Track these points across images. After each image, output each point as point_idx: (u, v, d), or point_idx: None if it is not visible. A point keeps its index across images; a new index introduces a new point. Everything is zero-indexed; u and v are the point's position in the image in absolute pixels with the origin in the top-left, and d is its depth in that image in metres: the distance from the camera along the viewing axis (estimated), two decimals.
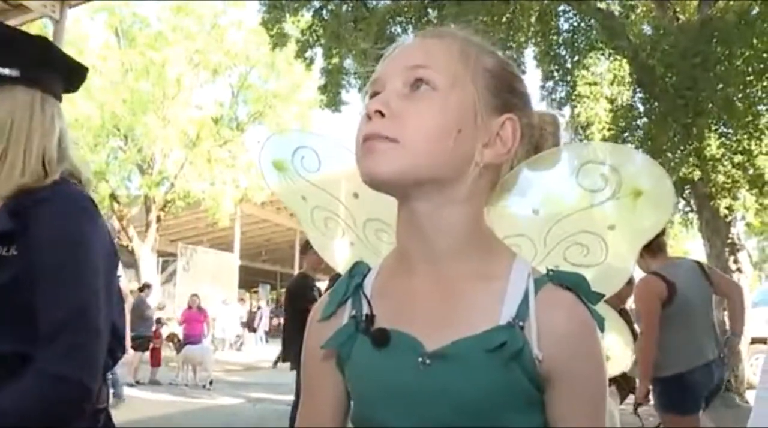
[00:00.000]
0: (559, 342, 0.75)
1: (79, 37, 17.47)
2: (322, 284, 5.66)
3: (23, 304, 1.17)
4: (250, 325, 21.74)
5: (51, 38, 6.38)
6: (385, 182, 0.76)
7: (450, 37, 0.83)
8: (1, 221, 1.20)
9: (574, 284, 0.78)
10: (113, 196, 18.39)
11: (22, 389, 1.11)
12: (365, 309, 0.82)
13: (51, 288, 1.16)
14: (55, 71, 1.39)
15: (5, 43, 1.33)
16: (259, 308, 23.38)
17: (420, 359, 0.76)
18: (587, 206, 0.91)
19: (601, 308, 0.82)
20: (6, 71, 1.29)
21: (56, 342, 1.13)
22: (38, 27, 15.53)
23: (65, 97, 1.45)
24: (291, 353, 5.06)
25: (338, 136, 1.02)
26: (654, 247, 3.61)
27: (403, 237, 0.82)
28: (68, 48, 14.20)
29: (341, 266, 0.90)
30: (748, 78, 7.82)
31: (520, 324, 0.74)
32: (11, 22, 6.15)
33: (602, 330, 0.78)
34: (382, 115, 0.76)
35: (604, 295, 0.81)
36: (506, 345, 0.73)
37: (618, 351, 1.02)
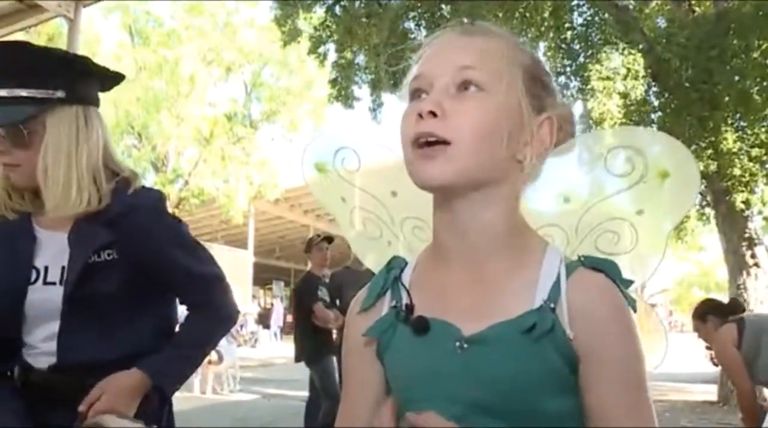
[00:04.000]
0: (589, 320, 0.76)
1: (94, 36, 17.59)
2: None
3: (131, 305, 1.41)
4: (264, 322, 21.84)
5: (66, 38, 6.42)
6: (440, 187, 0.79)
7: (496, 37, 0.84)
8: (102, 233, 1.38)
9: (605, 267, 0.79)
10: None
11: (202, 327, 1.53)
12: (405, 299, 0.84)
13: (179, 274, 1.47)
14: (94, 83, 1.48)
15: (51, 66, 1.39)
16: (272, 305, 23.48)
17: (457, 343, 0.78)
18: (616, 192, 0.91)
19: (636, 299, 0.83)
20: (56, 94, 1.36)
21: (212, 296, 1.53)
22: (53, 26, 15.68)
23: None
24: (303, 352, 5.08)
25: (377, 133, 1.04)
26: (722, 314, 3.78)
27: (441, 233, 0.84)
28: (83, 48, 14.32)
29: (379, 267, 0.91)
30: (765, 71, 7.71)
31: (552, 305, 0.76)
32: (27, 22, 6.19)
33: (635, 310, 0.79)
34: (434, 115, 0.77)
35: (632, 282, 0.82)
36: (536, 326, 0.75)
37: (654, 344, 1.01)
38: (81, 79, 1.42)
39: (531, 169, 0.84)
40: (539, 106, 0.83)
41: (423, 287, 0.85)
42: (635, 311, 0.79)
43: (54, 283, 1.37)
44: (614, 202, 0.93)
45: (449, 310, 0.80)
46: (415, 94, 0.82)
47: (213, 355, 8.81)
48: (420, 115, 0.78)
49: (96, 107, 1.46)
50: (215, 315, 1.54)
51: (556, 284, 0.77)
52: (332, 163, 1.05)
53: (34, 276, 1.38)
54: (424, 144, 0.77)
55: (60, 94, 1.36)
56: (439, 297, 0.82)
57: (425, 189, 0.80)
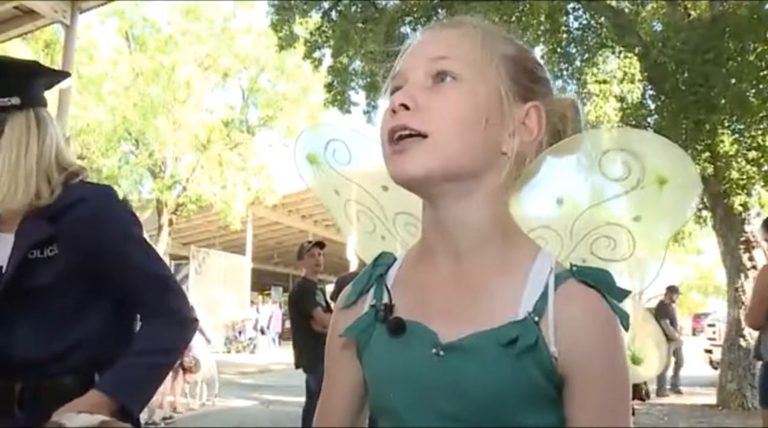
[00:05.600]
0: (575, 339, 0.72)
1: (90, 42, 17.58)
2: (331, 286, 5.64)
3: (72, 302, 1.37)
4: (262, 328, 21.79)
5: (62, 44, 6.43)
6: (416, 180, 0.76)
7: (469, 27, 0.82)
8: (42, 228, 1.36)
9: (597, 280, 0.75)
10: (125, 200, 18.39)
11: (159, 333, 1.40)
12: (385, 299, 0.82)
13: (130, 270, 1.40)
14: (42, 85, 1.50)
15: (5, 75, 1.42)
16: (272, 311, 23.42)
17: (434, 350, 0.75)
18: (611, 196, 0.88)
19: (633, 307, 0.80)
20: (10, 101, 1.39)
21: (165, 298, 1.43)
22: (50, 33, 15.68)
23: (77, 103, 1.53)
24: (302, 359, 5.06)
25: (368, 130, 1.02)
26: None
27: (428, 231, 0.82)
28: (79, 53, 14.33)
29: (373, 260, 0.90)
30: (761, 73, 7.73)
31: (536, 318, 0.73)
32: (23, 28, 6.20)
33: (626, 328, 0.75)
34: (407, 108, 0.75)
35: (629, 292, 0.78)
36: (519, 340, 0.71)
37: (651, 352, 0.99)
38: (32, 84, 1.46)
39: (522, 162, 0.80)
40: (524, 94, 0.80)
41: (406, 286, 0.83)
42: (626, 329, 0.75)
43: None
44: (610, 206, 0.89)
45: (430, 312, 0.78)
46: (394, 93, 0.80)
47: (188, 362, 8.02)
48: (393, 110, 0.76)
49: (45, 107, 1.47)
50: (171, 320, 1.43)
51: (544, 295, 0.74)
52: (323, 154, 1.03)
53: None
54: (399, 138, 0.75)
55: (15, 100, 1.40)
56: (421, 298, 0.80)
57: (402, 184, 0.77)
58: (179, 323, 1.45)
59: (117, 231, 1.42)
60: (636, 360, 0.96)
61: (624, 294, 0.77)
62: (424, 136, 0.74)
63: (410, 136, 0.74)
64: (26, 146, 1.39)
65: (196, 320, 1.50)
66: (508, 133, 0.78)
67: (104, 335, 1.40)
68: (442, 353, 0.75)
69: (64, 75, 1.60)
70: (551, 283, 0.75)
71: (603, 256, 0.90)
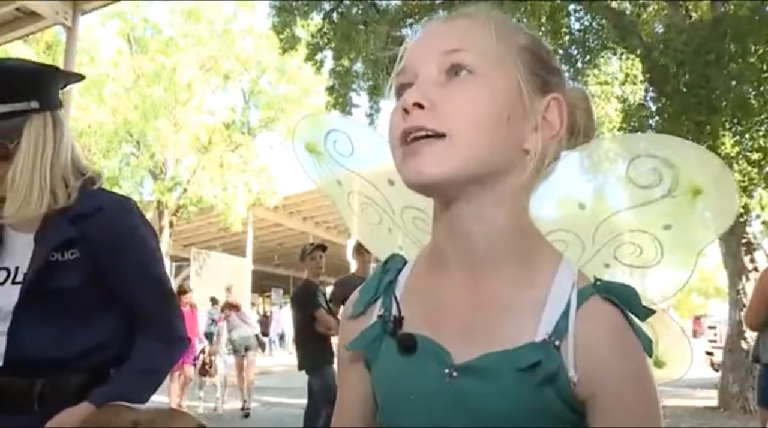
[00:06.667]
0: (596, 363, 0.68)
1: (92, 44, 17.61)
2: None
3: (90, 304, 1.39)
4: (263, 330, 21.77)
5: (64, 45, 6.43)
6: (435, 185, 0.69)
7: (482, 17, 0.75)
8: (65, 229, 1.37)
9: (621, 298, 0.70)
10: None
11: (157, 351, 1.43)
12: (394, 311, 0.77)
13: (136, 280, 1.43)
14: (59, 87, 1.50)
15: (25, 79, 1.42)
16: (271, 312, 23.43)
17: (447, 371, 0.71)
18: (639, 204, 0.83)
19: (656, 311, 0.77)
20: (30, 105, 1.39)
21: (168, 315, 1.48)
22: (51, 34, 15.70)
23: (78, 104, 1.53)
24: (305, 360, 5.07)
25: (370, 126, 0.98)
26: None
27: (440, 237, 0.76)
28: (80, 55, 14.33)
29: (381, 253, 0.86)
30: (762, 75, 7.72)
31: (556, 342, 0.68)
32: (25, 30, 6.19)
33: (649, 354, 0.70)
34: (421, 107, 0.68)
35: (654, 312, 0.73)
36: (540, 366, 0.67)
37: (674, 352, 0.95)
38: (51, 87, 1.46)
39: (542, 161, 0.74)
40: (543, 87, 0.74)
41: (417, 295, 0.77)
42: (650, 354, 0.71)
43: (21, 282, 1.38)
44: (637, 213, 0.84)
45: (442, 327, 0.73)
46: (401, 90, 0.73)
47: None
48: (406, 110, 0.69)
49: (62, 109, 1.48)
50: (170, 336, 1.47)
51: (565, 314, 0.68)
52: (323, 144, 0.97)
53: (3, 276, 1.39)
54: (414, 140, 0.69)
55: (34, 104, 1.39)
56: (432, 310, 0.75)
57: (418, 188, 0.71)
58: (176, 341, 1.50)
59: (133, 242, 1.44)
60: (659, 364, 0.91)
61: (648, 313, 0.72)
62: (443, 137, 0.68)
63: (426, 136, 0.68)
64: (43, 150, 1.39)
65: (189, 340, 1.56)
66: (531, 128, 0.72)
67: (118, 336, 1.44)
68: (455, 374, 0.70)
69: (79, 77, 1.62)
70: (573, 301, 0.69)
71: (627, 262, 0.86)
